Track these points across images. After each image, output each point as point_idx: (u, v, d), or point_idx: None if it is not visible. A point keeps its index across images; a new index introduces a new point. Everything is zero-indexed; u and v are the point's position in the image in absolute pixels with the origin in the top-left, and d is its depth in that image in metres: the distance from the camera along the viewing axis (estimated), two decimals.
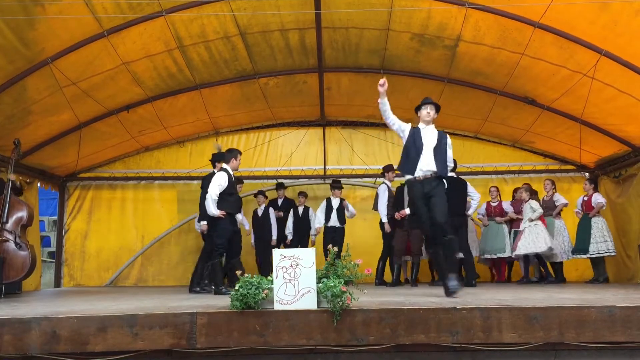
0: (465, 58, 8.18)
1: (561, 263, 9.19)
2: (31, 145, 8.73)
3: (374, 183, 10.74)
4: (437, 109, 5.94)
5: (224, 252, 7.06)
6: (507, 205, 9.66)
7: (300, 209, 9.91)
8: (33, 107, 7.79)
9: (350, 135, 11.19)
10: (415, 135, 5.86)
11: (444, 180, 5.84)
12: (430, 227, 5.64)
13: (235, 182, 7.35)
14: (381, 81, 5.69)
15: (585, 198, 9.21)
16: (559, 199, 9.25)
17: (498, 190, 9.93)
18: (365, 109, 10.44)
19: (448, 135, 5.94)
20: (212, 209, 6.90)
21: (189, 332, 3.79)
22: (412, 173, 5.71)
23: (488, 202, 9.88)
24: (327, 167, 11.07)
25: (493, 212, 9.73)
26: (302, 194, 10.03)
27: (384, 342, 3.82)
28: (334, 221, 9.35)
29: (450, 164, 5.95)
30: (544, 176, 10.86)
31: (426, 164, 5.70)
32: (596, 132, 9.01)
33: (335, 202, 9.44)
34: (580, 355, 3.88)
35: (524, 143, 10.77)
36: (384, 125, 11.06)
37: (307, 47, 8.41)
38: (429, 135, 5.82)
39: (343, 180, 10.35)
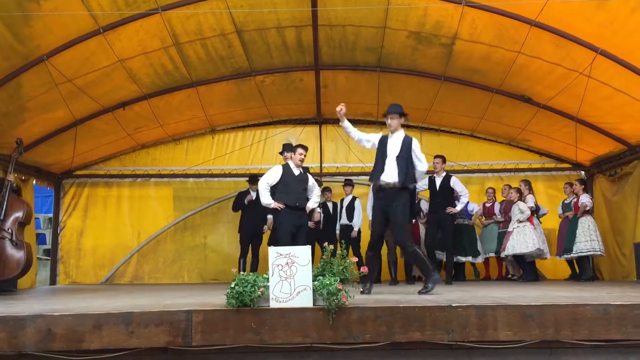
0: (462, 56, 8.18)
1: (534, 262, 9.26)
2: (26, 143, 8.64)
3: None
4: (401, 115, 5.99)
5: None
6: (497, 208, 9.74)
7: (330, 205, 9.60)
8: (28, 104, 7.76)
9: (346, 133, 11.12)
10: (382, 144, 5.97)
11: (409, 189, 5.85)
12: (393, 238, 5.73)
13: (295, 176, 7.25)
14: (338, 108, 5.97)
15: (575, 199, 9.23)
16: (529, 200, 9.26)
17: (494, 192, 9.97)
18: (362, 106, 10.43)
19: (414, 139, 5.94)
20: (263, 199, 7.02)
21: (184, 329, 3.79)
22: (377, 182, 5.85)
23: (484, 203, 9.92)
24: (323, 164, 11.07)
25: (488, 213, 9.77)
26: (328, 189, 9.76)
27: (379, 340, 3.83)
28: (344, 219, 9.34)
29: (422, 167, 5.94)
30: (540, 174, 10.91)
31: (389, 175, 5.77)
32: (592, 131, 9.03)
33: (346, 200, 9.42)
34: (575, 353, 3.89)
35: (520, 141, 10.78)
36: (380, 124, 11.05)
37: (303, 45, 8.39)
38: (394, 144, 5.88)
39: (339, 179, 10.35)
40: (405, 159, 5.80)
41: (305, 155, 7.33)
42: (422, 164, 5.91)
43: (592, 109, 8.31)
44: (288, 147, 7.80)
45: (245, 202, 9.65)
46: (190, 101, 9.53)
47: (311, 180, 7.42)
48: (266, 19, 7.59)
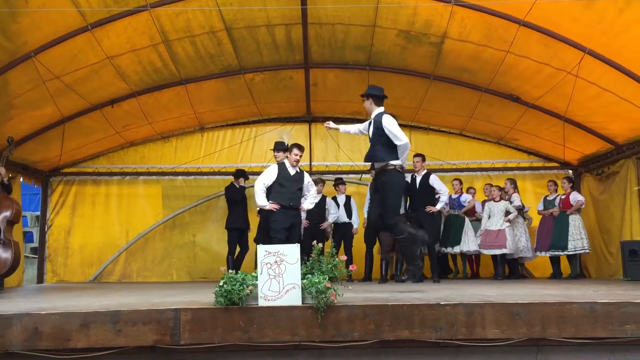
0: (451, 55, 8.20)
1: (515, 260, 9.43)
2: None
3: (360, 179, 10.76)
4: (369, 96, 6.05)
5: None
6: (478, 206, 9.84)
7: (342, 198, 9.53)
8: (15, 101, 7.69)
9: (336, 132, 10.98)
10: (367, 128, 6.09)
11: (393, 172, 5.83)
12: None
13: (291, 176, 7.28)
14: (326, 125, 6.25)
15: (563, 196, 9.30)
16: (515, 199, 9.32)
17: (475, 192, 10.13)
18: (351, 105, 10.43)
19: (385, 115, 5.92)
20: (258, 200, 7.07)
21: (172, 328, 3.77)
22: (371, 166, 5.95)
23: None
24: (312, 163, 11.06)
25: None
26: (320, 181, 9.58)
27: (368, 338, 3.83)
28: (342, 217, 9.34)
29: (397, 142, 5.80)
30: (528, 173, 10.98)
31: (372, 156, 5.89)
32: (579, 130, 9.10)
33: (341, 199, 9.42)
34: (562, 351, 3.91)
35: (508, 140, 10.84)
36: None
37: (293, 43, 8.39)
38: (371, 127, 5.93)
39: (328, 177, 10.36)
40: (380, 137, 5.79)
41: (301, 156, 7.35)
42: (396, 138, 5.81)
43: (580, 108, 8.37)
44: (280, 146, 7.79)
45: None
46: (179, 99, 9.50)
47: (307, 180, 7.42)
48: (256, 17, 7.58)
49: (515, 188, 9.46)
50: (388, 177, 5.78)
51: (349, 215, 9.37)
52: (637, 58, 6.86)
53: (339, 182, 9.63)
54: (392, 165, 5.82)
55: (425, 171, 8.65)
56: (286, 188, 7.14)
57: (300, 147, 7.39)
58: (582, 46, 7.06)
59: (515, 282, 8.22)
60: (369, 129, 6.10)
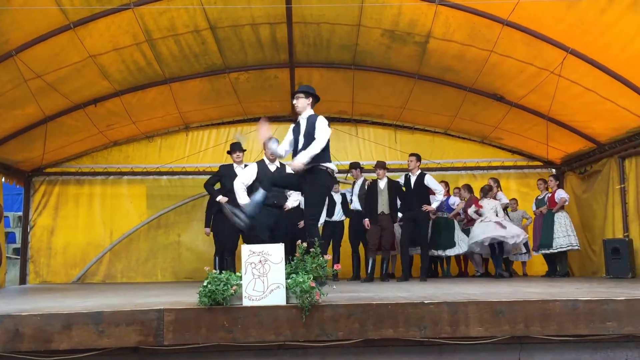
0: (436, 54, 8.24)
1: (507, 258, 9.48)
2: None
3: (345, 179, 10.76)
4: (307, 95, 5.80)
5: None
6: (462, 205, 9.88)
7: (339, 197, 9.38)
8: None
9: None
10: (294, 130, 5.83)
11: (323, 172, 5.62)
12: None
13: (272, 172, 7.12)
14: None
15: (550, 194, 9.38)
16: (502, 197, 9.39)
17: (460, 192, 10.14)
18: (337, 104, 10.44)
19: (321, 117, 5.73)
20: (240, 199, 6.76)
21: (156, 329, 3.75)
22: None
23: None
24: None
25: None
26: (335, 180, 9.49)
27: (352, 337, 3.83)
28: (339, 215, 9.27)
29: (320, 142, 5.55)
30: (512, 172, 11.07)
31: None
32: (562, 129, 9.18)
33: (338, 197, 9.34)
34: (544, 349, 3.95)
35: (492, 139, 10.91)
36: (355, 121, 11.13)
37: (278, 42, 8.37)
38: (303, 128, 5.71)
39: None
40: (313, 138, 5.57)
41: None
42: (320, 138, 5.55)
43: (563, 107, 8.44)
44: (236, 147, 7.72)
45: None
46: (164, 98, 9.44)
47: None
48: (240, 16, 7.55)
49: (499, 187, 9.53)
50: (316, 177, 5.59)
51: (347, 213, 9.31)
52: (619, 58, 6.93)
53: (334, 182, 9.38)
54: (324, 166, 5.63)
55: (419, 171, 8.62)
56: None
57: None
58: (564, 46, 7.12)
59: (500, 280, 8.26)
60: (297, 132, 5.81)
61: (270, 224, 6.83)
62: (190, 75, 9.02)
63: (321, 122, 5.66)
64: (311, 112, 5.85)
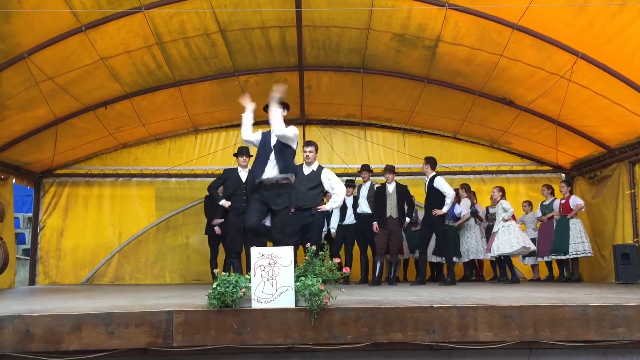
0: (445, 58, 8.23)
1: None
2: (6, 141, 8.60)
3: (354, 181, 10.75)
4: (284, 107, 5.82)
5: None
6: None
7: (350, 200, 9.32)
8: (8, 102, 7.66)
9: (329, 134, 11.18)
10: (265, 139, 5.77)
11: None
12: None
13: (303, 175, 7.09)
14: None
15: (563, 201, 9.32)
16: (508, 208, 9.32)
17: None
18: (345, 107, 10.45)
19: (293, 126, 5.73)
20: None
21: (165, 330, 3.75)
22: (259, 177, 5.63)
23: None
24: None
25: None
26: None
27: (361, 341, 3.83)
28: (350, 219, 9.19)
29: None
30: (521, 177, 11.02)
31: (286, 168, 5.60)
32: (572, 134, 9.14)
33: (349, 201, 9.27)
34: (554, 354, 3.92)
35: (501, 143, 10.87)
36: (364, 125, 11.13)
37: (287, 45, 8.39)
38: (274, 138, 5.69)
39: None
40: (285, 149, 5.61)
41: (311, 151, 7.14)
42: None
43: (573, 112, 8.41)
44: (244, 151, 7.71)
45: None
46: (173, 101, 9.48)
47: (326, 178, 7.11)
48: (250, 19, 7.58)
49: (503, 195, 9.41)
50: (287, 193, 5.62)
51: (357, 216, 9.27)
52: (629, 62, 6.90)
53: (348, 185, 9.12)
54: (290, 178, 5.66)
55: (433, 174, 8.59)
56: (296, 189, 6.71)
57: (309, 143, 7.19)
58: (574, 50, 7.10)
59: (509, 285, 8.22)
60: (265, 139, 5.78)
61: (296, 230, 6.78)
62: (200, 78, 9.05)
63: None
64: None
